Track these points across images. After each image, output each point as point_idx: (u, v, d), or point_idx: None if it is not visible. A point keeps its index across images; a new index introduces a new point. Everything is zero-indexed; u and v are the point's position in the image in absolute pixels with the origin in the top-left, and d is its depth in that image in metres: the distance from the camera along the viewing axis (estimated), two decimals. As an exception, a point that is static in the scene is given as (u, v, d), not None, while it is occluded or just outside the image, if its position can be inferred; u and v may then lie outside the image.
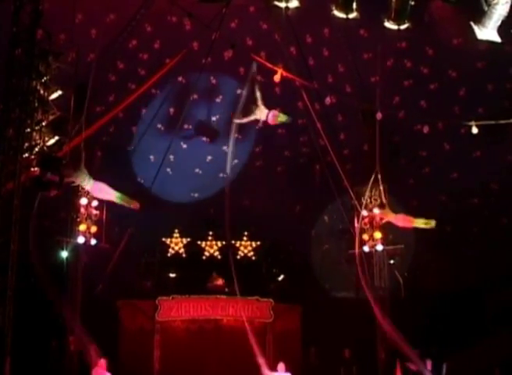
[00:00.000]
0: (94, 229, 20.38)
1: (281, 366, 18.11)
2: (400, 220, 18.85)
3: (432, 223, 18.35)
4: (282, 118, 16.23)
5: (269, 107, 16.15)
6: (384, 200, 19.15)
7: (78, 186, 18.92)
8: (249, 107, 16.47)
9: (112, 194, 17.05)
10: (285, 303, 22.38)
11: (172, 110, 22.15)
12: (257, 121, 16.49)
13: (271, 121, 16.18)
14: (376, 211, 20.43)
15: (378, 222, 21.13)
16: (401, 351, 18.33)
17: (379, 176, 18.81)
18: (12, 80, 13.09)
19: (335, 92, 20.80)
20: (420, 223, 18.48)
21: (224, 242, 23.99)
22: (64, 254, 19.49)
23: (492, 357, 20.33)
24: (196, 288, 22.33)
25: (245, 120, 16.73)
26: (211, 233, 24.10)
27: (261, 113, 16.03)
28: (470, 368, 19.86)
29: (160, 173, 20.78)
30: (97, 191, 17.55)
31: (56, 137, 13.98)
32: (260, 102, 16.00)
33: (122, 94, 19.40)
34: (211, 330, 22.00)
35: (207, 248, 24.03)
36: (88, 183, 17.07)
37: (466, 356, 20.09)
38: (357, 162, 22.14)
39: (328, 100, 19.79)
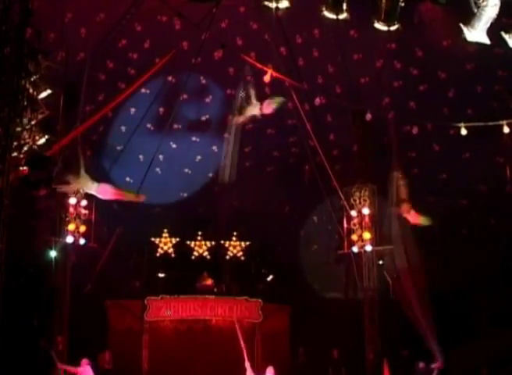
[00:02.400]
0: (82, 228, 20.36)
1: (270, 369, 18.15)
2: (413, 217, 18.87)
3: (430, 221, 18.46)
4: (277, 101, 16.51)
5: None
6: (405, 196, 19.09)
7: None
8: (242, 106, 16.63)
9: (118, 194, 17.17)
10: (274, 303, 22.40)
11: (161, 110, 22.12)
12: (253, 117, 16.78)
13: (267, 110, 16.42)
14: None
15: (367, 222, 21.23)
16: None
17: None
18: (0, 79, 13.03)
19: (324, 93, 20.80)
20: (423, 220, 18.54)
21: (213, 242, 24.07)
22: (52, 253, 19.43)
23: (479, 357, 20.41)
24: (185, 288, 22.32)
25: (242, 119, 16.91)
26: (200, 233, 24.12)
27: (255, 109, 16.27)
28: (458, 368, 19.93)
29: (149, 173, 20.73)
30: (103, 193, 17.63)
31: (45, 137, 13.95)
32: (254, 100, 16.22)
33: (112, 94, 19.36)
34: (200, 330, 22.00)
35: (196, 248, 24.05)
36: (92, 187, 17.16)
37: (454, 356, 20.14)
38: (346, 163, 22.20)
39: (317, 100, 19.77)
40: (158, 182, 21.64)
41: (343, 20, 16.34)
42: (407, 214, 18.93)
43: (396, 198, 19.81)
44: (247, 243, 24.24)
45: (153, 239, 23.79)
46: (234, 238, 24.28)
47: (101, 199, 19.05)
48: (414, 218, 18.74)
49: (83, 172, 17.12)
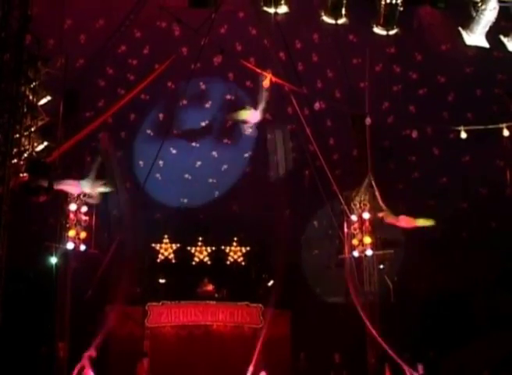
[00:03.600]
0: (83, 235, 20.34)
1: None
2: (403, 221, 18.91)
3: (432, 222, 18.49)
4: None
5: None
6: (381, 203, 19.25)
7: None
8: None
9: (78, 185, 17.22)
10: (274, 308, 22.36)
11: (161, 115, 22.13)
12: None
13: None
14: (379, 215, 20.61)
15: (367, 227, 21.21)
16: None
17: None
18: (0, 86, 13.03)
19: (324, 97, 20.82)
20: (421, 222, 18.58)
21: (214, 248, 24.04)
22: (53, 260, 19.42)
23: (480, 360, 20.38)
24: (186, 294, 22.30)
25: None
26: (200, 238, 24.09)
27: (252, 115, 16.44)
28: (459, 371, 19.91)
29: (149, 179, 20.74)
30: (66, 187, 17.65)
31: (45, 143, 13.95)
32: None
33: (112, 100, 19.38)
34: (201, 336, 21.97)
35: (196, 253, 24.01)
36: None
37: (455, 359, 20.14)
38: (346, 167, 22.19)
39: (317, 105, 19.79)
40: (158, 188, 21.65)
41: (342, 25, 16.35)
42: (391, 220, 19.09)
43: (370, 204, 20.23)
44: (248, 248, 24.22)
45: (153, 245, 23.76)
46: (234, 243, 24.25)
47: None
48: (407, 222, 18.84)
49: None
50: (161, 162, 21.97)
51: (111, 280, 20.19)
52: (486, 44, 15.72)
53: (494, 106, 20.64)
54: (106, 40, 19.38)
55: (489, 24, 15.30)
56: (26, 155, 13.50)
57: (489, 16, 15.13)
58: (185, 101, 21.68)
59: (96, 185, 17.57)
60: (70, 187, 17.71)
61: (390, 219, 19.00)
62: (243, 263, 24.10)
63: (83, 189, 17.78)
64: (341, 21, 16.17)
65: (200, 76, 20.99)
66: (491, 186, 22.04)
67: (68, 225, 20.15)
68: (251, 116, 17.15)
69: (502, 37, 15.80)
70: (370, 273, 21.34)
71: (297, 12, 17.01)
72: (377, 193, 19.22)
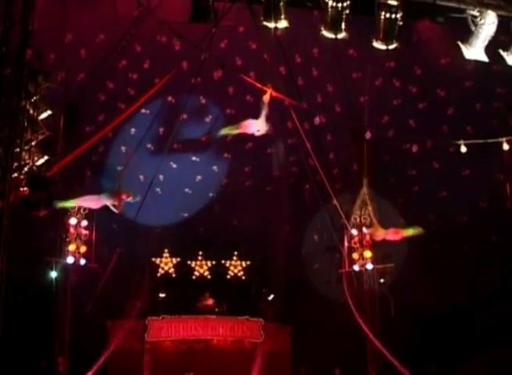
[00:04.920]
0: (83, 249, 20.36)
1: None
2: (391, 234, 18.92)
3: (420, 230, 18.49)
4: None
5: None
6: (373, 219, 19.28)
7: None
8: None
9: (99, 199, 17.18)
10: (275, 323, 22.33)
11: (161, 130, 22.15)
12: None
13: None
14: (365, 230, 20.64)
15: (368, 241, 21.19)
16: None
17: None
18: (1, 100, 13.06)
19: (324, 112, 20.84)
20: (409, 232, 18.60)
21: (214, 262, 24.04)
22: (53, 274, 19.40)
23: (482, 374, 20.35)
24: (186, 308, 22.27)
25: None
26: (200, 252, 24.08)
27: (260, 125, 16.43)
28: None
29: (149, 193, 20.71)
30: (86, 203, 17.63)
31: (45, 157, 13.96)
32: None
33: (112, 114, 19.39)
34: (201, 350, 21.93)
35: (197, 267, 24.00)
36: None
37: (456, 374, 20.08)
38: (346, 182, 22.21)
39: (317, 120, 19.80)
40: (158, 202, 21.64)
41: (342, 39, 16.36)
42: (378, 235, 19.14)
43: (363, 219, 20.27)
44: (248, 262, 24.21)
45: (154, 259, 23.75)
46: (235, 258, 24.25)
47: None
48: (394, 235, 18.87)
49: None
50: (161, 177, 21.97)
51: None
52: (485, 58, 15.75)
53: (494, 120, 20.68)
54: (107, 54, 19.42)
55: (488, 38, 15.33)
56: (26, 169, 13.51)
57: (488, 30, 15.17)
58: (185, 116, 21.70)
59: (119, 195, 17.48)
60: (90, 202, 17.70)
61: (379, 234, 19.09)
62: (243, 277, 24.10)
63: (105, 202, 17.69)
64: (341, 36, 16.14)
65: (201, 91, 21.02)
66: (491, 199, 22.05)
67: (68, 239, 20.17)
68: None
69: (501, 51, 15.83)
70: (370, 287, 21.32)
71: (297, 27, 17.04)
72: (370, 208, 19.24)
